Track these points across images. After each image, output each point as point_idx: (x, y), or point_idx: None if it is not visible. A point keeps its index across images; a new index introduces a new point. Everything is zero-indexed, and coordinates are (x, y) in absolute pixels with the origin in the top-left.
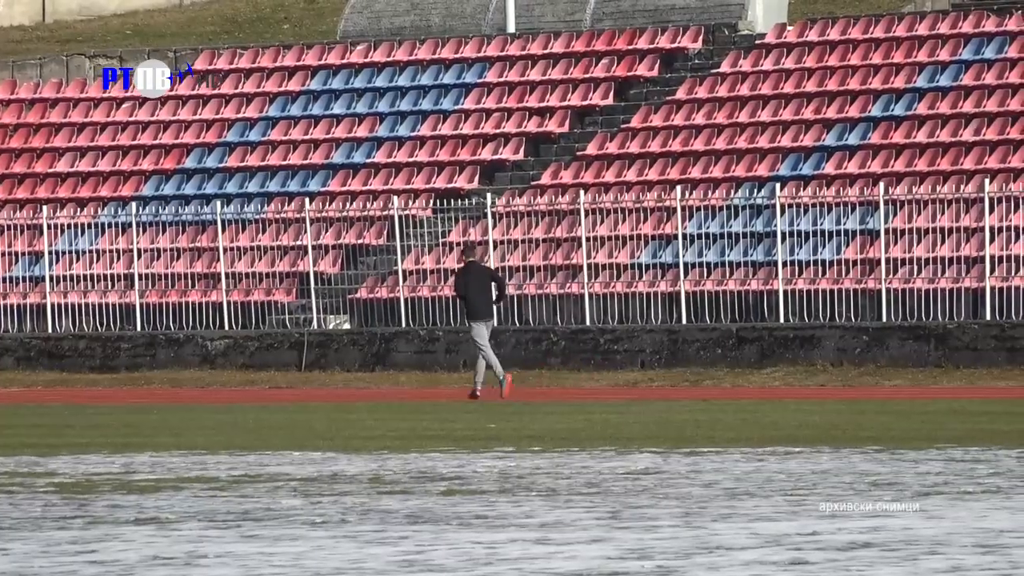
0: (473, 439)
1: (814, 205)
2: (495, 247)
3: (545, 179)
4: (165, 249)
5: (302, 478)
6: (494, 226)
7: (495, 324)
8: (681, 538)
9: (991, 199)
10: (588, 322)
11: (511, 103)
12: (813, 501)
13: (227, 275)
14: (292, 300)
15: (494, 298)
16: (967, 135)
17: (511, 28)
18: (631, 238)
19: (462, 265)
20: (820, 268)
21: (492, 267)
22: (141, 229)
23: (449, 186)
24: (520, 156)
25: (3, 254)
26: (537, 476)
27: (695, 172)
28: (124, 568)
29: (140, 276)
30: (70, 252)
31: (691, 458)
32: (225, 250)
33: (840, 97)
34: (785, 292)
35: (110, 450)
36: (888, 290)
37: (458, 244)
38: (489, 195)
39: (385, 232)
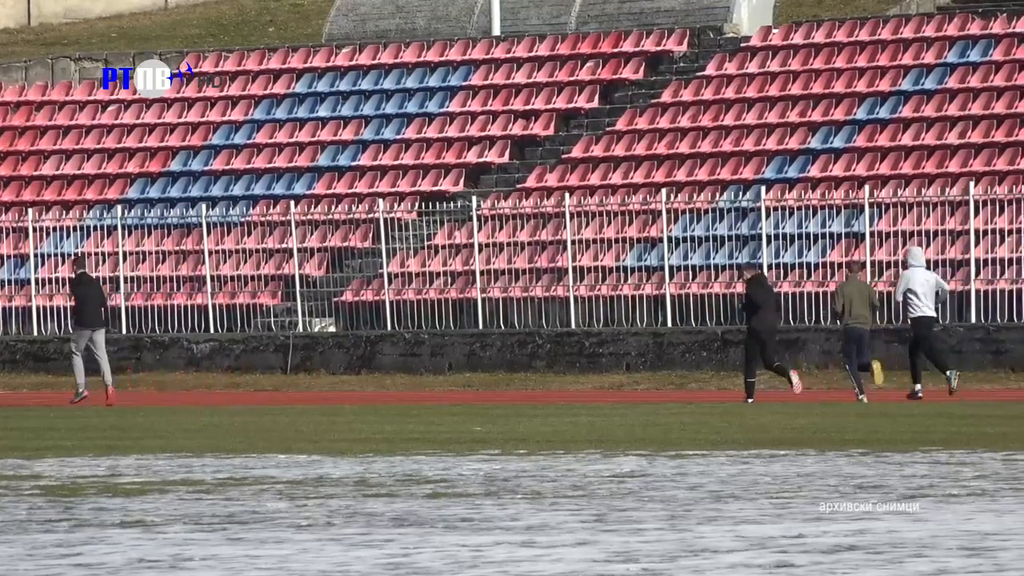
0: (459, 442)
1: (799, 208)
2: (480, 250)
3: (530, 182)
4: (151, 252)
5: (287, 481)
6: (479, 229)
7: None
8: (666, 541)
9: (976, 202)
10: (573, 325)
11: (496, 106)
12: (798, 504)
13: (212, 278)
14: (277, 303)
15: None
16: (952, 138)
17: (496, 31)
18: (616, 241)
19: (74, 276)
20: (805, 271)
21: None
22: (127, 232)
23: (434, 189)
24: (505, 159)
25: None
26: (522, 479)
27: (680, 175)
28: (109, 571)
29: (126, 279)
30: (56, 255)
31: (676, 461)
32: (210, 253)
33: (825, 100)
34: None
35: (95, 453)
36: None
37: (444, 247)
38: (474, 198)
39: (370, 235)
